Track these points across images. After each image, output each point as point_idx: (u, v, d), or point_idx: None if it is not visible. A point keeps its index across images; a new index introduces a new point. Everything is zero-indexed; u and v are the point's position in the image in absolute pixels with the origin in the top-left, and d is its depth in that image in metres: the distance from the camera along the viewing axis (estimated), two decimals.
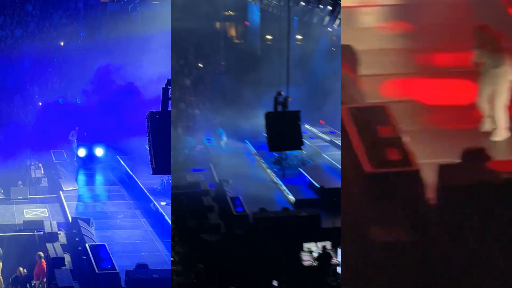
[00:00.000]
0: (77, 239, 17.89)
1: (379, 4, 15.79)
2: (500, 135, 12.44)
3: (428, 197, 10.19)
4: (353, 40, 13.83)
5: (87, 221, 19.22)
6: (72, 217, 19.66)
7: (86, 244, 16.56)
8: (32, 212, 20.79)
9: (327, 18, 20.33)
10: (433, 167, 10.26)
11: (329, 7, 19.44)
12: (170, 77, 11.61)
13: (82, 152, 26.23)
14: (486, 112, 12.53)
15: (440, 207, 10.03)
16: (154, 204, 20.98)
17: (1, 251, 17.45)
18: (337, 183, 14.77)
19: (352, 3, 16.26)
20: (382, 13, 15.97)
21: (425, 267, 9.83)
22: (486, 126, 12.54)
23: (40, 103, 29.03)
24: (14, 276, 16.33)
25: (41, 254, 16.41)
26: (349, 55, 13.64)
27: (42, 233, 18.40)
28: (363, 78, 13.36)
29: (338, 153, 20.00)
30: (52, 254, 16.37)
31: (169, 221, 17.19)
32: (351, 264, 10.30)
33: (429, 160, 10.90)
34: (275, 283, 13.70)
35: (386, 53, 13.89)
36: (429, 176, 10.21)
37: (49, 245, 16.90)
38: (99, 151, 26.35)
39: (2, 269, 16.92)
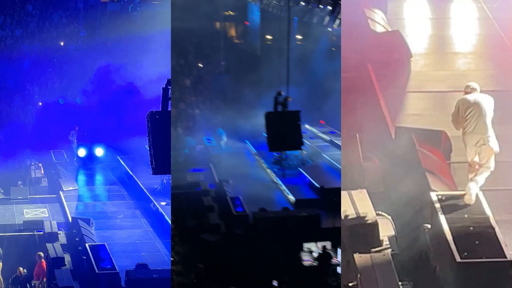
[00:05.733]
0: (77, 239, 17.90)
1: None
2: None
3: None
4: (446, 125, 13.52)
5: (87, 221, 19.23)
6: (72, 217, 19.68)
7: (86, 244, 16.57)
8: (32, 212, 20.80)
9: (327, 18, 20.28)
10: None
11: (329, 7, 19.40)
12: (170, 77, 11.61)
13: (82, 152, 26.25)
14: None
15: None
16: (154, 204, 20.99)
17: (1, 251, 17.47)
18: (337, 183, 14.78)
19: (445, 88, 16.17)
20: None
21: None
22: None
23: (40, 103, 29.05)
24: (14, 276, 16.36)
25: (41, 254, 16.43)
26: (442, 141, 13.51)
27: (42, 233, 18.42)
28: (454, 165, 13.23)
29: (338, 153, 19.98)
30: (52, 254, 16.39)
31: (169, 221, 17.18)
32: None
33: None
34: (275, 283, 13.68)
35: None
36: None
37: (49, 245, 16.93)
38: (99, 151, 26.36)
39: (2, 269, 16.95)
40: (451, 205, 11.32)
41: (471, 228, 10.80)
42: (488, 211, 11.17)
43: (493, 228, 10.84)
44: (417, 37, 18.99)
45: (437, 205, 11.35)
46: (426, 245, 11.61)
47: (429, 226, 11.66)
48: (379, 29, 18.77)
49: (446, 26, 19.76)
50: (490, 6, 20.00)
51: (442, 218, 11.05)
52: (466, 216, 11.00)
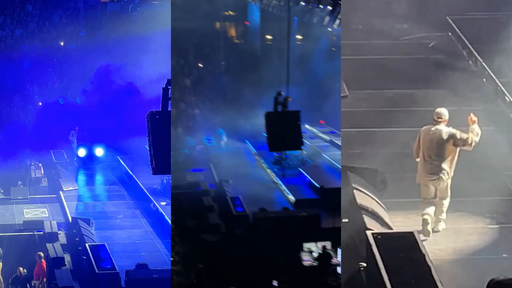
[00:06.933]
0: (77, 239, 17.90)
1: None
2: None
3: None
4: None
5: (87, 221, 19.23)
6: (72, 217, 19.68)
7: (86, 244, 16.57)
8: (32, 212, 20.81)
9: (327, 18, 20.30)
10: None
11: (329, 7, 19.42)
12: (170, 77, 11.62)
13: (82, 152, 26.25)
14: None
15: None
16: (154, 204, 20.99)
17: (1, 251, 17.48)
18: (337, 183, 14.78)
19: None
20: None
21: None
22: None
23: (40, 103, 29.05)
24: (14, 276, 16.36)
25: (41, 254, 16.43)
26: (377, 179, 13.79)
27: (42, 233, 18.42)
28: (387, 204, 13.37)
29: (338, 153, 19.98)
30: (52, 254, 16.39)
31: (169, 221, 17.18)
32: None
33: None
34: (275, 283, 13.67)
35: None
36: None
37: (49, 245, 16.93)
38: (99, 151, 26.36)
39: (2, 269, 16.95)
40: (387, 244, 11.30)
41: (407, 267, 10.74)
42: (424, 250, 11.15)
43: (428, 267, 10.78)
44: None
45: (373, 243, 11.32)
46: (362, 284, 11.57)
47: (364, 264, 11.64)
48: None
49: None
50: None
51: (378, 257, 10.99)
52: (401, 255, 11.00)
